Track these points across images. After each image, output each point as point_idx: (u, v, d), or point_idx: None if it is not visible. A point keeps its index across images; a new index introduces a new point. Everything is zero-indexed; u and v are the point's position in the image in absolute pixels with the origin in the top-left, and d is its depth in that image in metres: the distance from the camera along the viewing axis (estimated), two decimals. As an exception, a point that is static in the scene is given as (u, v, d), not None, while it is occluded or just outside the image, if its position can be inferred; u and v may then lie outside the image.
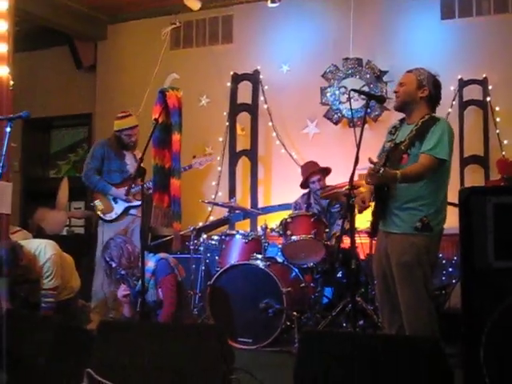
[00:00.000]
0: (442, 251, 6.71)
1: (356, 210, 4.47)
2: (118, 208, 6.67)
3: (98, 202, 6.69)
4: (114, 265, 5.46)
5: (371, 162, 4.11)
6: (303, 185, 7.07)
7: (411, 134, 4.34)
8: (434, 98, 4.46)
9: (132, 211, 6.69)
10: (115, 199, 6.66)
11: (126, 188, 6.34)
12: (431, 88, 4.41)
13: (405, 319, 4.28)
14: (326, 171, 6.96)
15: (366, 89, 7.70)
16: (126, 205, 6.65)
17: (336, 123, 8.11)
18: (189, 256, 6.93)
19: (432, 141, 4.24)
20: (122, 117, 6.80)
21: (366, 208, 4.47)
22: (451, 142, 4.32)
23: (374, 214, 4.50)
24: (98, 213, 6.68)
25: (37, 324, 4.20)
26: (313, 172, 6.90)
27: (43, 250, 5.63)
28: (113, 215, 6.68)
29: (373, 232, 4.56)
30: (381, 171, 4.02)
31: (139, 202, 6.50)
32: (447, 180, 4.41)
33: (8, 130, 5.03)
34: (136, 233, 6.45)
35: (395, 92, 4.52)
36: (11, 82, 6.32)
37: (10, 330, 4.16)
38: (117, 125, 6.78)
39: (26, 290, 5.68)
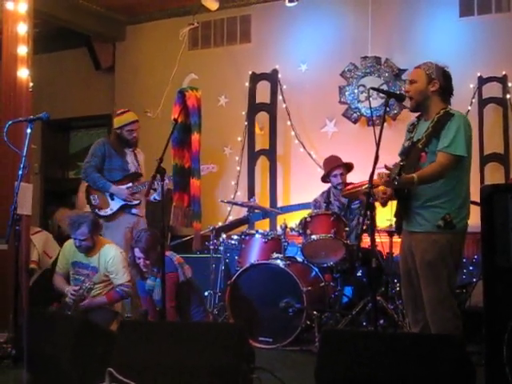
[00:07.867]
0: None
1: (379, 204, 4.45)
2: (114, 205, 6.51)
3: (92, 197, 6.57)
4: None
5: (387, 168, 4.08)
6: (324, 178, 6.97)
7: (427, 132, 4.29)
8: (445, 90, 4.36)
9: (134, 210, 6.56)
10: (112, 195, 6.51)
11: (146, 187, 6.26)
12: (441, 80, 4.32)
13: (429, 318, 4.25)
14: (349, 167, 6.86)
15: (384, 87, 7.66)
16: (123, 202, 6.50)
17: (355, 122, 8.09)
18: (209, 256, 6.94)
19: (448, 138, 4.18)
20: (121, 113, 6.65)
21: (388, 198, 4.42)
22: (468, 137, 4.25)
23: (396, 214, 4.48)
24: (96, 210, 6.51)
25: (59, 323, 4.23)
26: (335, 166, 6.82)
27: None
28: (108, 211, 6.51)
29: (398, 231, 4.54)
30: (395, 182, 3.98)
31: (137, 202, 6.49)
32: (468, 175, 4.35)
33: (28, 131, 5.09)
34: None
35: (407, 92, 4.44)
36: (31, 84, 6.35)
37: (33, 330, 4.20)
38: (117, 122, 6.61)
39: None
